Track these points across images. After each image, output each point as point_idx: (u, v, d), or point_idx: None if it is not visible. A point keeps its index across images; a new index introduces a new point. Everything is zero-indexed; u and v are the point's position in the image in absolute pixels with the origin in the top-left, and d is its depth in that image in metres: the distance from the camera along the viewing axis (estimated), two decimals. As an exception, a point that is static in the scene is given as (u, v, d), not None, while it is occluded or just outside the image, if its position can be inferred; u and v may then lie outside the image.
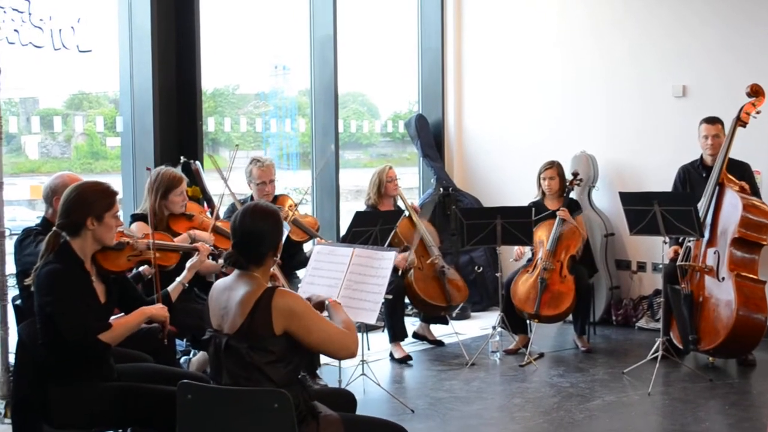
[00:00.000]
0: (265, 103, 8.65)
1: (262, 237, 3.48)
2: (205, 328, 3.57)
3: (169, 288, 4.43)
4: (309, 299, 3.72)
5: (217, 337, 3.47)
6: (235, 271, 3.54)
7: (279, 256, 3.58)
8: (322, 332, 3.40)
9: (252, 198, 6.40)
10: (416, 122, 9.16)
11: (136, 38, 6.84)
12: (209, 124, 7.72)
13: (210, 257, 4.97)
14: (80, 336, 3.71)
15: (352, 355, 3.55)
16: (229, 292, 3.47)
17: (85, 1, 6.70)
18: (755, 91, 6.71)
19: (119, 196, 4.05)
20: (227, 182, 6.01)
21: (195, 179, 6.57)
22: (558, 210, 7.23)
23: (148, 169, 5.25)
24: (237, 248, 3.51)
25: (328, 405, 3.58)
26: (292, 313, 3.35)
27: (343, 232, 7.54)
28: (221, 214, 6.05)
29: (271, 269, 3.59)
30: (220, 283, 3.58)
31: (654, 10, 8.08)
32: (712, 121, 6.93)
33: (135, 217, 5.54)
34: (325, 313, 3.69)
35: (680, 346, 6.63)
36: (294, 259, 6.37)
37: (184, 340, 6.00)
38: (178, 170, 5.77)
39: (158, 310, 4.07)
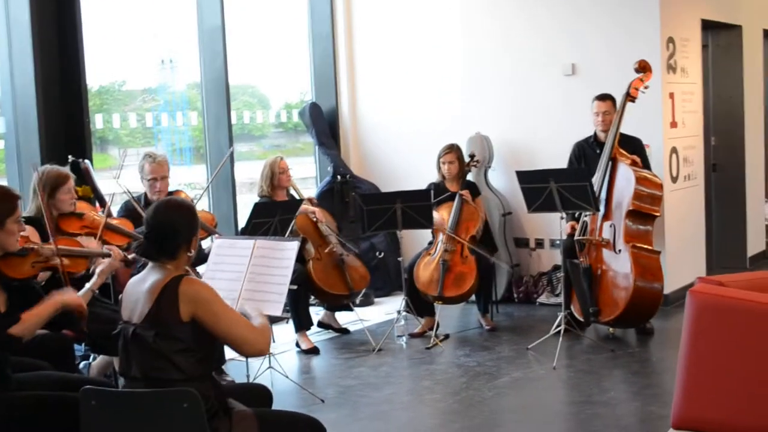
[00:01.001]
0: (154, 97, 8.44)
1: (175, 230, 3.44)
2: (104, 330, 3.47)
3: (78, 294, 4.23)
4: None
5: (125, 329, 3.41)
6: (149, 265, 3.48)
7: (193, 252, 3.52)
8: (230, 321, 3.37)
9: (145, 196, 6.22)
10: (310, 111, 9.08)
11: (14, 34, 6.55)
12: (97, 122, 7.50)
13: (123, 263, 4.83)
14: None
15: (261, 353, 3.62)
16: (141, 284, 3.43)
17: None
18: (643, 67, 6.89)
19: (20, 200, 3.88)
20: (118, 180, 5.84)
21: (85, 178, 6.37)
22: (459, 192, 7.26)
23: (35, 168, 5.05)
24: (148, 239, 3.46)
25: (244, 401, 3.53)
26: (198, 298, 3.31)
27: (240, 225, 7.42)
28: (114, 212, 5.87)
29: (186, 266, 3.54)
30: (134, 278, 3.54)
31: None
32: (603, 97, 7.07)
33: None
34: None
35: (581, 319, 6.77)
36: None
37: (83, 344, 5.81)
38: (65, 168, 5.56)
39: (72, 297, 3.91)
